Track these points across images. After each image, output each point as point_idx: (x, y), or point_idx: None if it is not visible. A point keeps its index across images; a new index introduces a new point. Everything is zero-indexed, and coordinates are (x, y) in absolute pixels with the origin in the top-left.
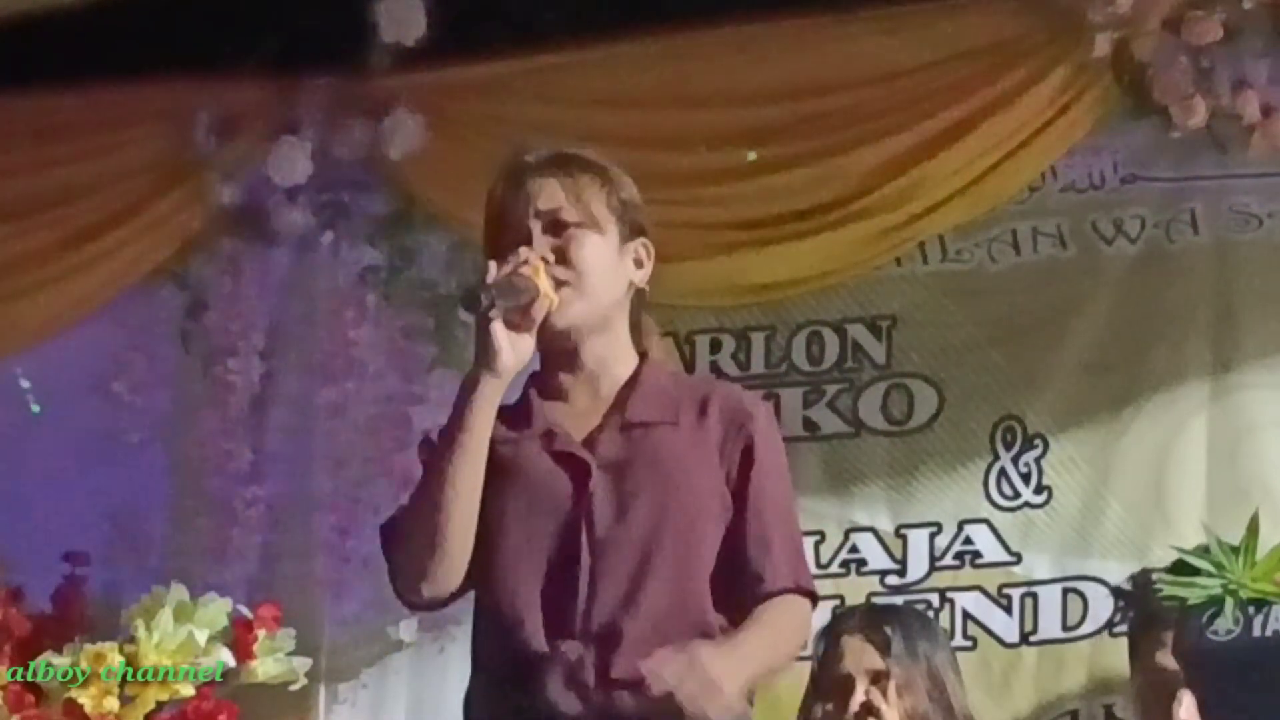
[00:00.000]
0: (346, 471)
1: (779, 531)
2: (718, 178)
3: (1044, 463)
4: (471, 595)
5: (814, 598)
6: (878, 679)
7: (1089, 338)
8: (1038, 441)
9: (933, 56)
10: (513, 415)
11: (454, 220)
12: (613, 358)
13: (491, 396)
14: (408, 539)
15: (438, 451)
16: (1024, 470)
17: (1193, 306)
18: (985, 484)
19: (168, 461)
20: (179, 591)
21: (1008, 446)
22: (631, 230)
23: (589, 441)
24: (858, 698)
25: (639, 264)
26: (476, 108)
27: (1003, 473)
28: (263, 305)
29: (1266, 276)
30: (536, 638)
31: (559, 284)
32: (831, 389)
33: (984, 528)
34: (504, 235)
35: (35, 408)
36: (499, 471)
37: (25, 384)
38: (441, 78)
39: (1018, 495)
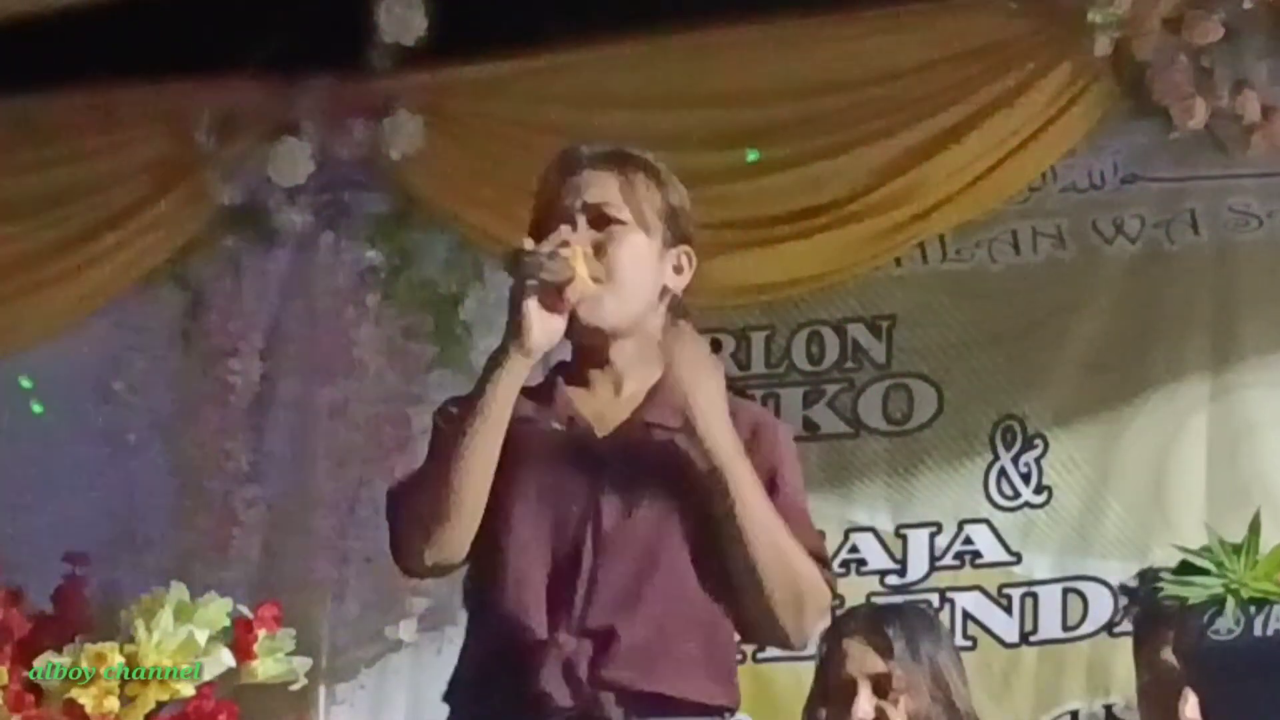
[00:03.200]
0: (346, 471)
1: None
2: (718, 178)
3: (1044, 463)
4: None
5: (827, 564)
6: (880, 682)
7: (1089, 338)
8: (1038, 441)
9: (933, 56)
10: (535, 395)
11: (454, 220)
12: (640, 359)
13: (517, 372)
14: (416, 504)
15: (456, 419)
16: (1024, 470)
17: (1192, 306)
18: (985, 484)
19: (168, 461)
20: (179, 591)
21: (1008, 446)
22: (676, 237)
23: (609, 437)
24: (862, 706)
25: (678, 270)
26: (476, 108)
27: (1003, 473)
28: (263, 305)
29: (1266, 276)
30: (539, 626)
31: (591, 279)
32: (831, 389)
33: (984, 528)
34: (549, 221)
35: (36, 408)
36: (514, 449)
37: (25, 384)
38: (441, 78)
39: (1018, 495)
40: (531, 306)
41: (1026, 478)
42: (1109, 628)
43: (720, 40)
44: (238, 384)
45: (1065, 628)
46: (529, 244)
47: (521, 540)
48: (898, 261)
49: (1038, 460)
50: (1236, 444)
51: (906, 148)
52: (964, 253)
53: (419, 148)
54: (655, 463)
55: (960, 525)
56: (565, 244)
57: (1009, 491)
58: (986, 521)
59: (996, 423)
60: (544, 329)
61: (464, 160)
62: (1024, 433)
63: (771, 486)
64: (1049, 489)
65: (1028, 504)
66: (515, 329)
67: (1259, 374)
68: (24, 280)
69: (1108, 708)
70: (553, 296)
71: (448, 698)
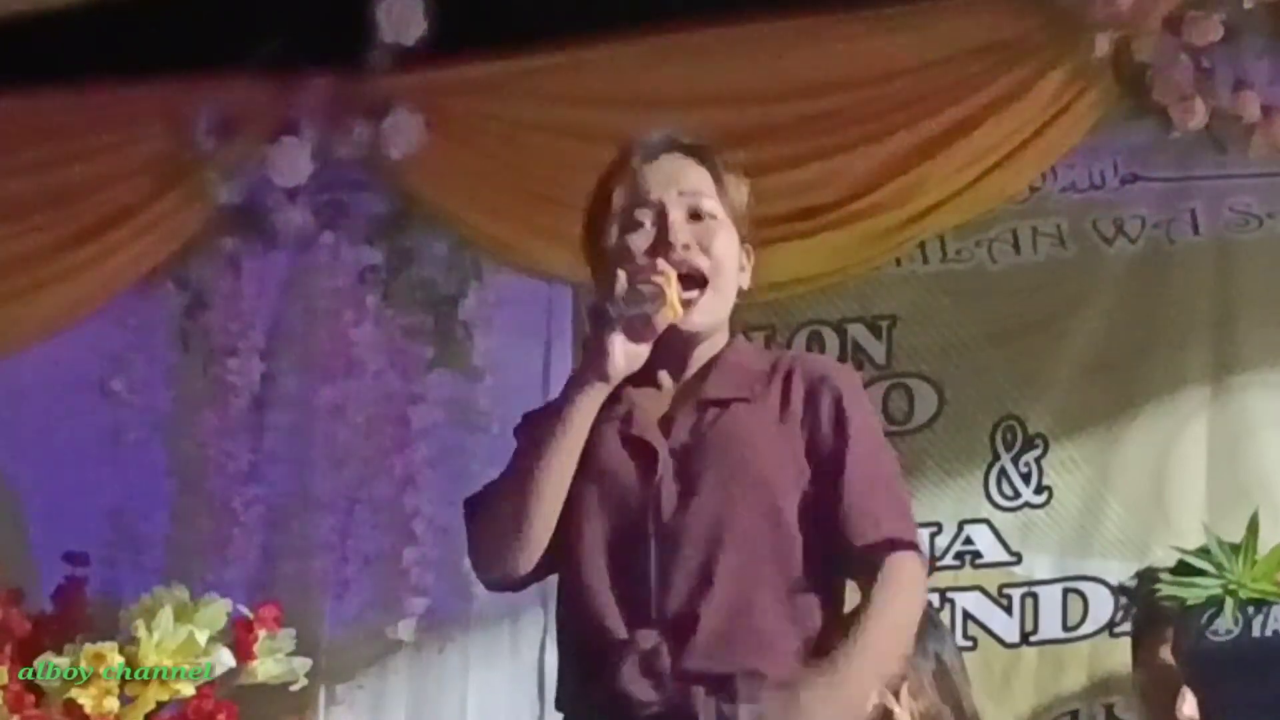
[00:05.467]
0: (346, 471)
1: (880, 488)
2: None
3: (1044, 463)
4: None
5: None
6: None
7: (1089, 338)
8: (1038, 441)
9: (933, 56)
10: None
11: (454, 220)
12: (707, 347)
13: (594, 398)
14: (492, 519)
15: (534, 439)
16: (1024, 470)
17: (1193, 306)
18: (985, 484)
19: (168, 461)
20: (179, 591)
21: (1008, 446)
22: (742, 234)
23: (664, 422)
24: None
25: (741, 268)
26: (476, 108)
27: (1003, 473)
28: (263, 305)
29: (1266, 276)
30: (615, 626)
31: (700, 280)
32: None
33: (984, 528)
34: (631, 210)
35: (36, 408)
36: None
37: (25, 383)
38: (441, 78)
39: (1018, 495)
40: (617, 340)
41: (1026, 478)
42: (1109, 628)
43: (720, 40)
44: (238, 384)
45: (1065, 628)
46: (621, 280)
47: (589, 545)
48: (898, 261)
49: (1038, 460)
50: (1236, 444)
51: (906, 148)
52: (964, 253)
53: (419, 148)
54: (712, 440)
55: (960, 525)
56: (661, 273)
57: (1009, 492)
58: (987, 521)
59: (996, 423)
60: (627, 357)
61: (464, 160)
62: (1024, 433)
63: (836, 467)
64: (1049, 489)
65: (1028, 504)
66: (597, 359)
67: (1259, 374)
68: (24, 280)
69: (1108, 707)
70: (641, 325)
71: (558, 707)
